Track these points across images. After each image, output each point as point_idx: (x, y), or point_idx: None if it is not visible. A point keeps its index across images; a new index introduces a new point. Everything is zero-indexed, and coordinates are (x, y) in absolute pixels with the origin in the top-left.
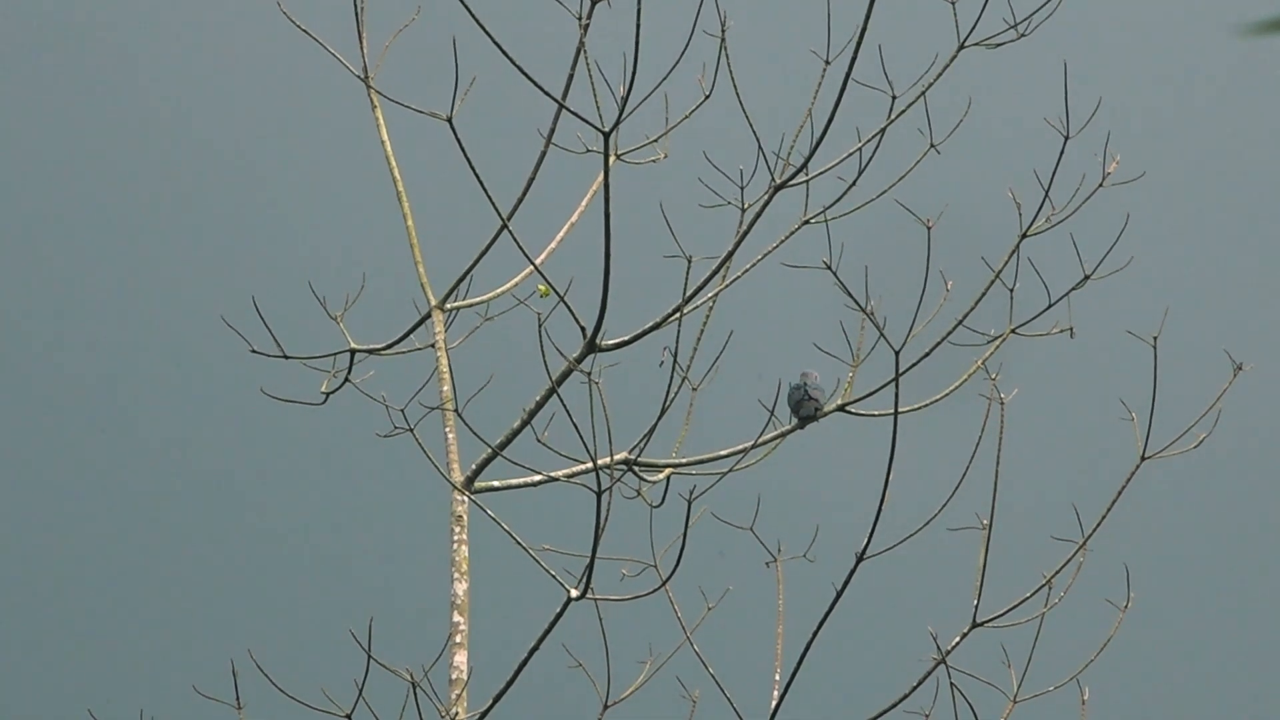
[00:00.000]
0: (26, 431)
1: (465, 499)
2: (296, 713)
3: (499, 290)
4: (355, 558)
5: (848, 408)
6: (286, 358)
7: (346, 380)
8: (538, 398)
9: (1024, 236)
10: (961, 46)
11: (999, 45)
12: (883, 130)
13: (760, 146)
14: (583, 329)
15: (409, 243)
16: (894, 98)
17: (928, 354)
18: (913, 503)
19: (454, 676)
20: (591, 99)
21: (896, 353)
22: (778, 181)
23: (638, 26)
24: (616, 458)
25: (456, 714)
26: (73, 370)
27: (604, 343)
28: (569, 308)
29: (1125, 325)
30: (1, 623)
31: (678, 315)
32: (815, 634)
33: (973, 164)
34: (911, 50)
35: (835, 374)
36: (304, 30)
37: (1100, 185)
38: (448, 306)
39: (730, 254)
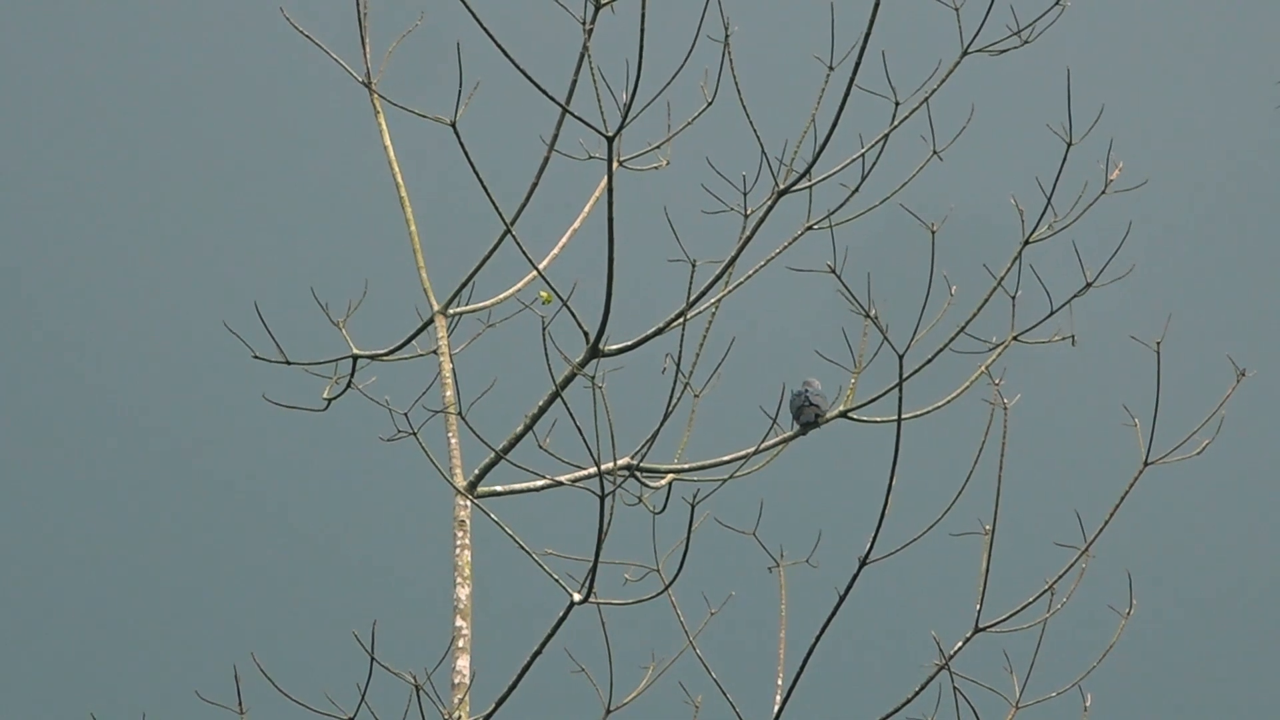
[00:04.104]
0: (31, 434)
1: (468, 503)
2: (299, 715)
3: (502, 295)
4: (358, 562)
5: (850, 413)
6: (289, 363)
7: (349, 386)
8: (540, 402)
9: (1026, 243)
10: (965, 53)
11: (1002, 52)
12: (886, 136)
13: (763, 152)
14: (585, 334)
15: (412, 248)
16: (897, 104)
17: (931, 360)
18: (915, 508)
19: (456, 680)
20: (595, 104)
21: (900, 358)
22: (781, 187)
23: (641, 32)
24: (619, 463)
25: (459, 718)
26: (76, 375)
27: (607, 348)
28: (572, 313)
29: (1128, 331)
30: (5, 624)
31: (681, 320)
32: (818, 639)
33: (976, 170)
34: (915, 56)
35: (838, 380)
36: (307, 36)
37: (1103, 192)
38: (450, 312)
39: (733, 259)
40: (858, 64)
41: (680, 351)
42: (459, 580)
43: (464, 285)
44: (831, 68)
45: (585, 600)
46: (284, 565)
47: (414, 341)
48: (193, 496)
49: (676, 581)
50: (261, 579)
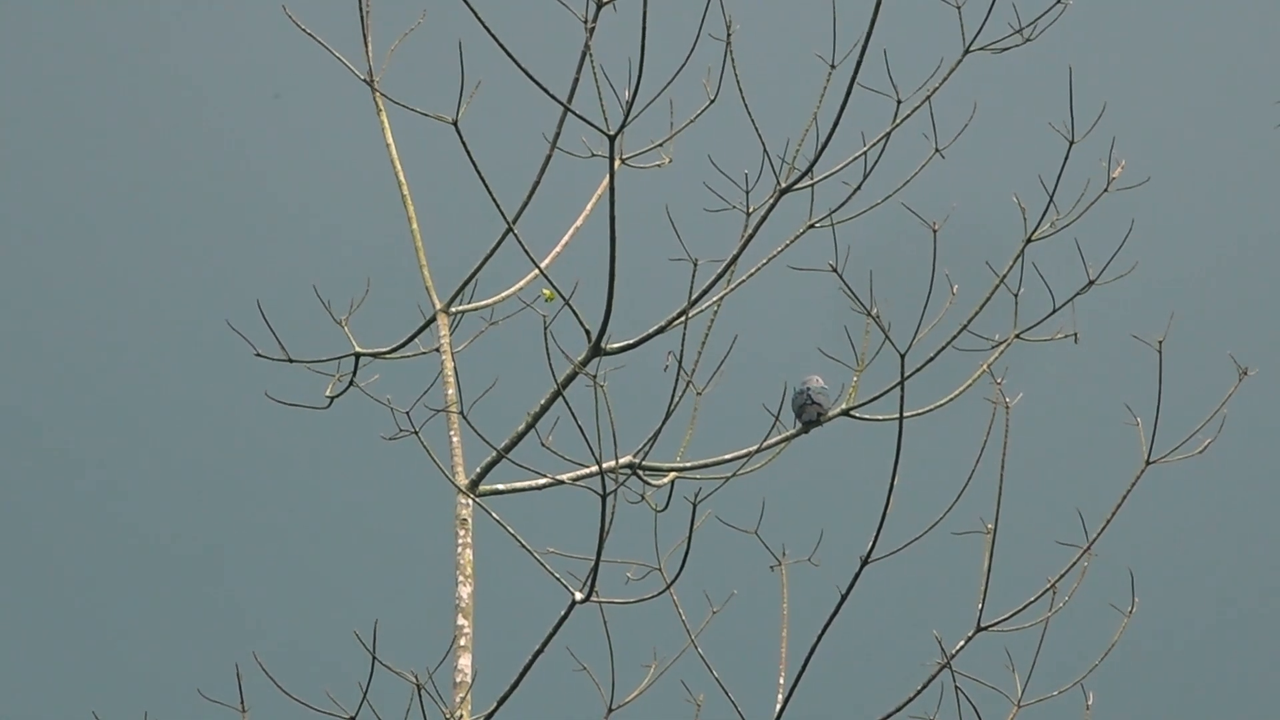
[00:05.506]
0: (31, 433)
1: (470, 502)
2: (301, 714)
3: (504, 294)
4: (360, 561)
5: (852, 412)
6: (291, 361)
7: (351, 384)
8: (542, 401)
9: (1029, 241)
10: (967, 51)
11: (1004, 50)
12: (888, 134)
13: (765, 150)
14: (587, 332)
15: (414, 246)
16: (899, 102)
17: (933, 358)
18: (917, 507)
19: (458, 679)
20: (597, 103)
21: (902, 356)
22: (783, 185)
23: (643, 30)
24: (621, 461)
25: (460, 717)
26: (77, 373)
27: (609, 346)
28: (574, 311)
29: (1130, 330)
30: (5, 623)
31: (683, 319)
32: (820, 638)
33: (978, 169)
34: (917, 54)
35: (840, 378)
36: (309, 34)
37: (1105, 190)
38: (453, 310)
39: (735, 258)
40: (859, 62)
41: (682, 350)
42: (460, 579)
43: (466, 283)
44: (833, 66)
45: (587, 599)
46: (284, 563)
47: (416, 340)
48: (193, 494)
49: (678, 580)
50: (262, 577)
